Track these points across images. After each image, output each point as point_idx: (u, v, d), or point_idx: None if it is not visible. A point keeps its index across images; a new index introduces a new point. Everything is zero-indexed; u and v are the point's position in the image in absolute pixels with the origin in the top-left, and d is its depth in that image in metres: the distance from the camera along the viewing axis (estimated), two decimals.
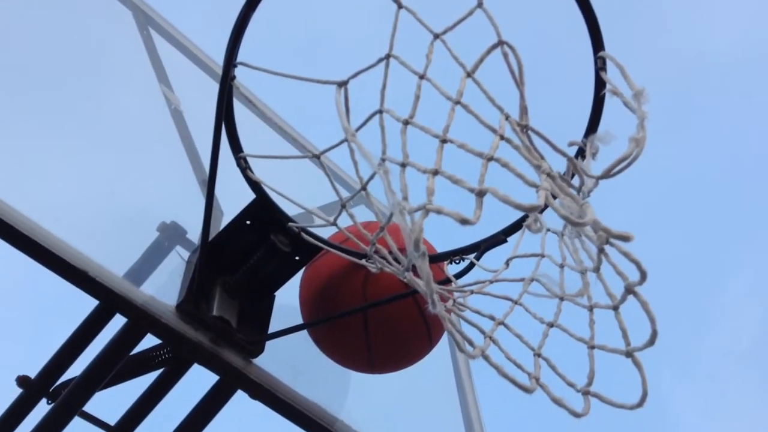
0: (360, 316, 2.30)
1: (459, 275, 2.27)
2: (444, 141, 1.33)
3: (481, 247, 2.30)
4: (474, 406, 2.85)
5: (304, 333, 2.47)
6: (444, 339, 3.00)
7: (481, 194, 1.22)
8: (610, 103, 1.99)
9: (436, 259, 2.37)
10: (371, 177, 1.68)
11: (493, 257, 2.29)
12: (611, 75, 1.73)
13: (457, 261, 2.33)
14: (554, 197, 1.29)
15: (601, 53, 1.81)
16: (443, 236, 2.41)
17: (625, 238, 1.22)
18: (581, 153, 1.91)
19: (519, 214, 2.25)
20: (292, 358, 2.50)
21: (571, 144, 1.80)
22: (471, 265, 2.27)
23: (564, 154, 1.62)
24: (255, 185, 2.20)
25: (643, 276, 1.28)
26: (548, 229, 1.97)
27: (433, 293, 1.24)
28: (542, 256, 1.94)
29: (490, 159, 1.25)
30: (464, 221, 1.18)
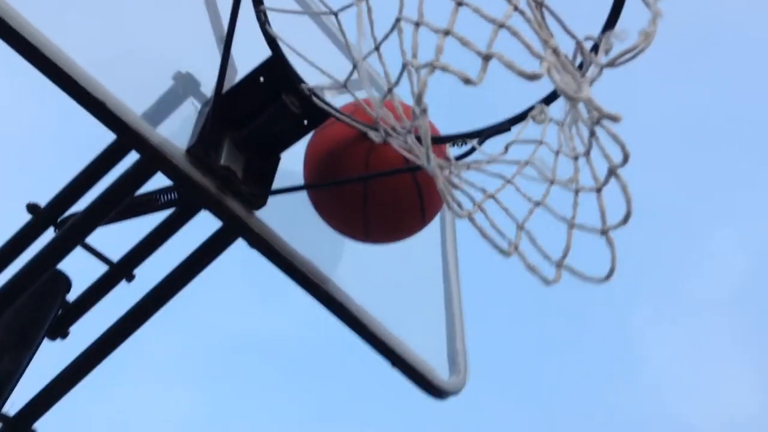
0: (360, 186, 2.40)
1: (460, 158, 2.35)
2: (460, 3, 1.37)
3: (484, 134, 2.37)
4: (455, 284, 3.02)
5: (305, 199, 2.58)
6: (436, 222, 3.13)
7: (487, 58, 1.28)
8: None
9: (440, 140, 2.44)
10: (383, 39, 1.72)
11: (495, 147, 2.36)
12: None
13: (460, 144, 2.41)
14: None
15: None
16: (450, 124, 2.48)
17: (615, 118, 1.30)
18: (594, 49, 1.94)
19: (525, 105, 2.31)
20: (292, 220, 2.63)
21: (587, 39, 1.84)
22: (472, 150, 2.35)
23: (572, 36, 1.66)
24: (272, 41, 2.23)
25: (626, 158, 1.36)
26: (551, 119, 2.03)
27: (429, 148, 1.33)
28: (540, 142, 2.02)
29: (501, 26, 1.30)
30: (468, 81, 1.25)
